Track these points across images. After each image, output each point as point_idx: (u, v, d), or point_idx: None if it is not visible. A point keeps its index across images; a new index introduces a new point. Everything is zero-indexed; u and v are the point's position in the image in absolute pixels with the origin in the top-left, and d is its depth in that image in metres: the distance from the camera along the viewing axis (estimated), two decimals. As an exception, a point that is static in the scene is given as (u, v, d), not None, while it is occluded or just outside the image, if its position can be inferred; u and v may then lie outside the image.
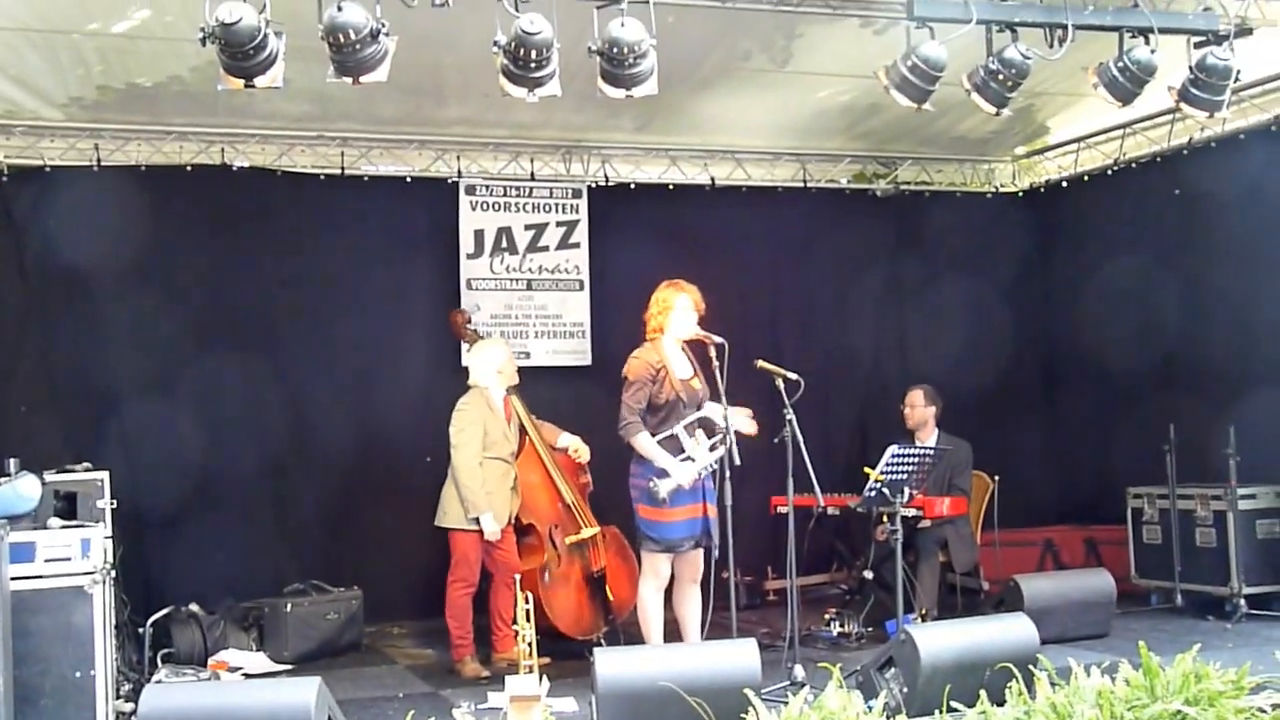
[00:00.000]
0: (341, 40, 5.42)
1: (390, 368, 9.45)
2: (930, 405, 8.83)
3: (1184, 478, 8.89)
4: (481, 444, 7.56)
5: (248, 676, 7.49)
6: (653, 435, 6.68)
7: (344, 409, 9.31)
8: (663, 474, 6.61)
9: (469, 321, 8.69)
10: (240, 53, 5.34)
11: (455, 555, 7.62)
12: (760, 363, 6.89)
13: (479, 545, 7.58)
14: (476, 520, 7.46)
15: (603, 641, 7.66)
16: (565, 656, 7.48)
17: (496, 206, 9.84)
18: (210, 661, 7.72)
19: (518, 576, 6.86)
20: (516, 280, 9.77)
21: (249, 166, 9.19)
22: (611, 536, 8.04)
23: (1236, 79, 6.77)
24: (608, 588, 7.92)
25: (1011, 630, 6.16)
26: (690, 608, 6.88)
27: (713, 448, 6.71)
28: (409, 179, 9.62)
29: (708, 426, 6.78)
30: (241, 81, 5.44)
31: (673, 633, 6.93)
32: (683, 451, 6.68)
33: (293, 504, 9.13)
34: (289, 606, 8.19)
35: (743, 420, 6.80)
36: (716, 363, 6.65)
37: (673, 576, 6.88)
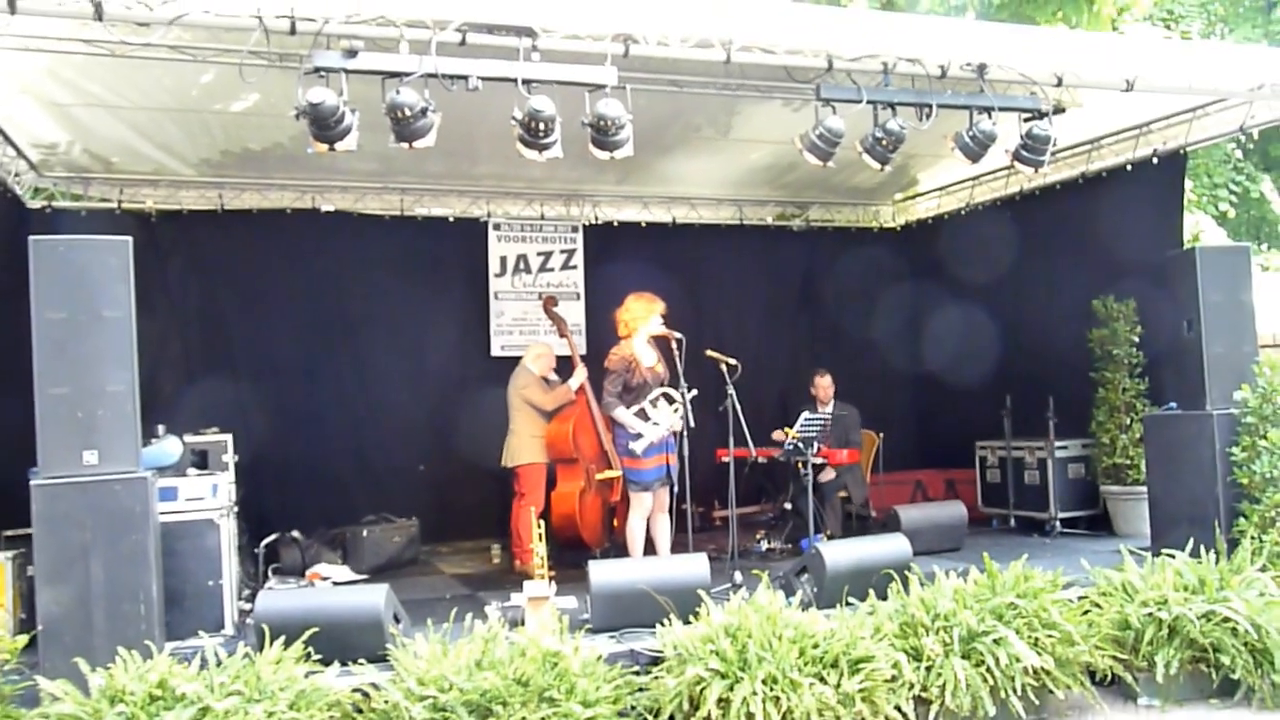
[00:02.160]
0: (399, 115, 5.39)
1: (437, 359, 9.40)
2: (833, 384, 8.86)
3: (1017, 434, 8.93)
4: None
5: (335, 584, 7.46)
6: (629, 408, 6.74)
7: (404, 389, 9.27)
8: (638, 436, 6.64)
9: (556, 304, 8.57)
10: (324, 125, 5.31)
11: (528, 485, 7.68)
12: (709, 352, 6.92)
13: (544, 474, 7.70)
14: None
15: (600, 555, 7.66)
16: (568, 567, 7.51)
17: (516, 239, 9.80)
18: (308, 573, 7.69)
19: (533, 509, 6.86)
20: (531, 293, 9.71)
21: (333, 210, 9.14)
22: (621, 482, 8.02)
23: (1054, 144, 6.78)
24: (615, 518, 7.93)
25: (892, 546, 6.19)
26: (662, 531, 6.92)
27: (674, 413, 6.74)
28: (451, 219, 9.55)
29: (667, 398, 6.79)
30: (326, 146, 5.41)
31: (653, 551, 6.95)
32: (649, 418, 6.73)
33: (368, 458, 9.09)
34: (365, 532, 8.18)
35: (675, 419, 6.77)
36: (677, 352, 6.68)
37: (652, 510, 6.90)
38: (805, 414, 7.66)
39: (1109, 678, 5.43)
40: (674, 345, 6.72)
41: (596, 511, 7.88)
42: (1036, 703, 5.15)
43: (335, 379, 9.07)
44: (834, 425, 8.14)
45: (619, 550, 7.51)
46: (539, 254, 9.88)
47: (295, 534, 8.03)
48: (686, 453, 6.56)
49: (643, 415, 6.74)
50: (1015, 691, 5.07)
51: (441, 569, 8.29)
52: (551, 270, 9.90)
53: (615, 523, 7.90)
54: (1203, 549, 5.91)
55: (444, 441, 9.23)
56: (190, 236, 8.69)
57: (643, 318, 6.86)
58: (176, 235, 8.67)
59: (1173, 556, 5.88)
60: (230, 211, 8.78)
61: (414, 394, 9.29)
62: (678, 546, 6.88)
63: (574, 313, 9.87)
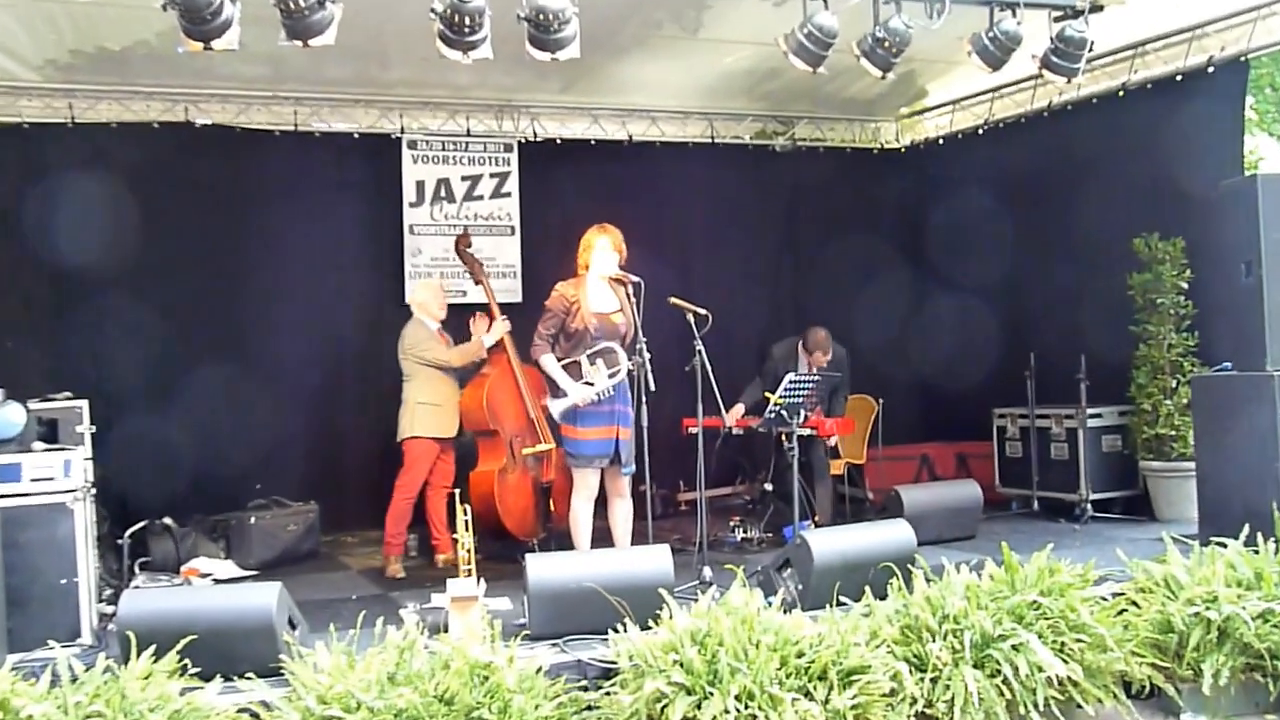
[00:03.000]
0: (291, 6, 5.30)
1: (341, 303, 9.38)
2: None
3: (1041, 399, 9.04)
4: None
5: (217, 582, 7.44)
6: (560, 360, 6.78)
7: (299, 341, 9.23)
8: (561, 394, 6.72)
9: (467, 246, 8.52)
10: (198, 17, 5.22)
11: (407, 462, 7.76)
12: (673, 299, 6.88)
13: (431, 452, 7.75)
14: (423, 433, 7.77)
15: (536, 547, 7.69)
16: (501, 560, 7.52)
17: (436, 160, 9.74)
18: (183, 569, 7.65)
19: (456, 491, 6.86)
20: (454, 226, 9.66)
21: (210, 124, 9.02)
22: (559, 456, 8.05)
23: (1090, 49, 6.81)
24: (551, 500, 7.96)
25: (892, 534, 6.23)
26: (619, 520, 6.93)
27: (611, 375, 6.74)
28: (356, 135, 9.49)
29: (609, 358, 6.78)
30: (200, 44, 5.32)
31: (602, 541, 6.95)
32: (582, 377, 6.75)
33: (256, 429, 9.00)
34: (253, 519, 8.16)
35: (609, 383, 6.80)
36: (633, 299, 6.68)
37: (605, 492, 6.92)
38: (790, 376, 7.70)
39: (1147, 689, 5.49)
40: (629, 290, 6.72)
41: (524, 495, 7.92)
42: (1061, 718, 5.24)
43: (215, 333, 8.97)
44: (824, 388, 8.19)
45: (561, 541, 7.54)
46: (464, 179, 9.83)
47: (167, 521, 7.97)
48: (646, 423, 6.56)
49: (577, 371, 6.79)
50: (1037, 706, 5.14)
51: (347, 563, 8.29)
52: (480, 199, 9.86)
53: (553, 507, 7.94)
54: (1260, 537, 5.99)
55: (348, 409, 9.19)
56: (33, 156, 8.55)
57: (594, 251, 6.87)
58: (15, 154, 8.53)
59: (1224, 546, 5.96)
60: (83, 125, 8.65)
61: (311, 351, 9.26)
62: (636, 536, 6.88)
63: (507, 251, 9.86)
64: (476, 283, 8.43)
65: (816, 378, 7.87)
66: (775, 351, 8.85)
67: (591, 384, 6.72)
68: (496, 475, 7.77)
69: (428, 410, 7.78)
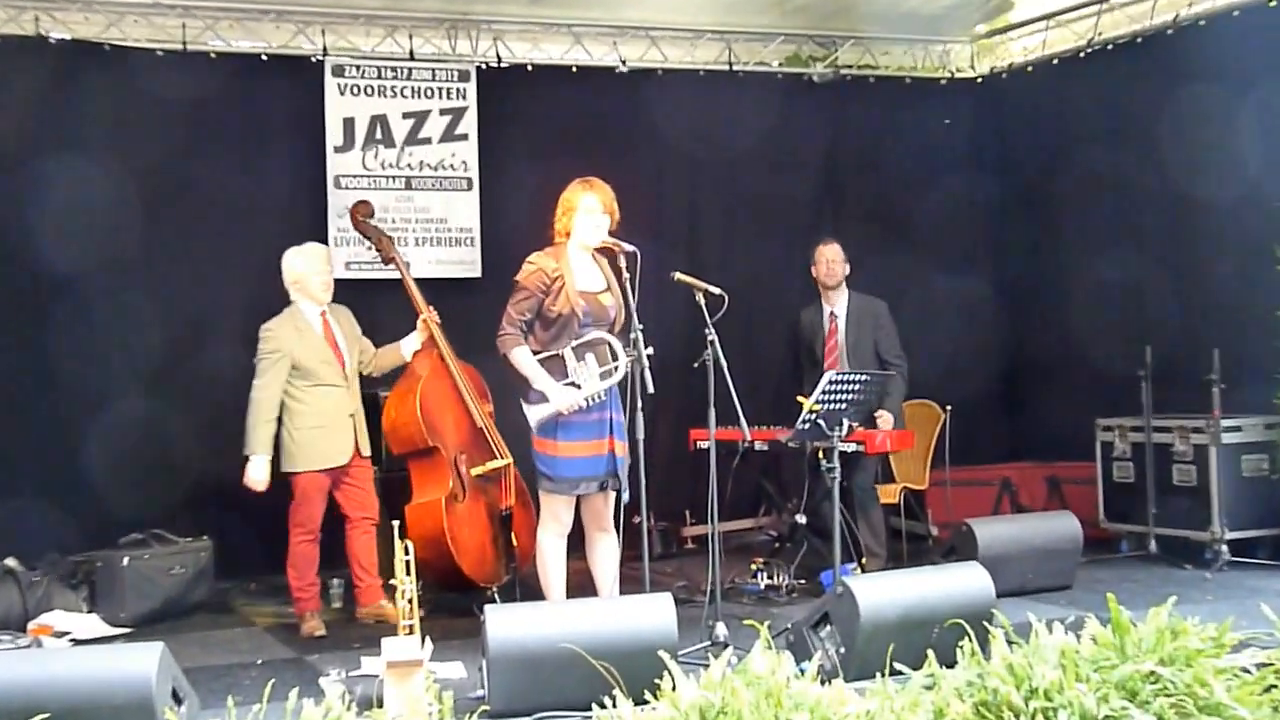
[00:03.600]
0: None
1: (243, 284, 9.25)
2: (846, 261, 8.95)
3: (1160, 407, 9.01)
4: (281, 374, 7.69)
5: (77, 643, 7.42)
6: (537, 354, 6.76)
7: (188, 330, 9.21)
8: (539, 398, 6.69)
9: (371, 215, 8.58)
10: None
11: (296, 496, 7.77)
12: (678, 275, 6.89)
13: (322, 485, 7.77)
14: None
15: (495, 596, 7.68)
16: (452, 612, 7.51)
17: (369, 91, 9.75)
18: (31, 626, 7.63)
19: (396, 523, 6.83)
20: (393, 178, 9.70)
21: (69, 39, 9.02)
22: (515, 475, 8.08)
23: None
24: (513, 532, 7.95)
25: (963, 581, 6.23)
26: (602, 560, 6.93)
27: (605, 375, 6.73)
28: (264, 57, 9.50)
29: (600, 352, 6.78)
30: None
31: (582, 587, 6.98)
32: (567, 376, 6.72)
33: (130, 442, 8.98)
34: (126, 560, 8.12)
35: (602, 384, 6.82)
36: (627, 274, 6.66)
37: (581, 525, 6.91)
38: (831, 374, 7.70)
39: (1300, 788, 5.51)
40: (622, 263, 6.70)
41: (479, 527, 7.93)
42: (1186, 826, 5.23)
43: (77, 318, 8.96)
44: (877, 390, 8.19)
45: (528, 588, 7.53)
46: (406, 115, 9.85)
47: (11, 563, 7.96)
48: (642, 435, 6.56)
49: (559, 367, 6.77)
50: (1153, 809, 5.15)
51: (250, 616, 8.29)
52: (427, 141, 9.87)
53: (515, 541, 7.93)
54: None
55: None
56: None
57: (576, 214, 6.84)
58: None
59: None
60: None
61: (200, 345, 9.22)
62: (627, 583, 6.90)
63: (462, 211, 9.86)
64: (386, 262, 8.45)
65: (864, 377, 7.86)
66: (805, 319, 8.97)
67: (578, 385, 6.71)
68: (445, 505, 7.75)
69: (311, 436, 7.71)
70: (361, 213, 8.48)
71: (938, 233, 10.72)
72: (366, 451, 7.94)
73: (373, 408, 8.19)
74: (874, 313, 8.88)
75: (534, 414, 6.73)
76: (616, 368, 6.70)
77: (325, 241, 9.18)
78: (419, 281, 8.37)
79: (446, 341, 8.09)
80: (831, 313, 8.89)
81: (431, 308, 8.12)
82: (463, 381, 8.06)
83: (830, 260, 8.94)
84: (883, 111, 10.83)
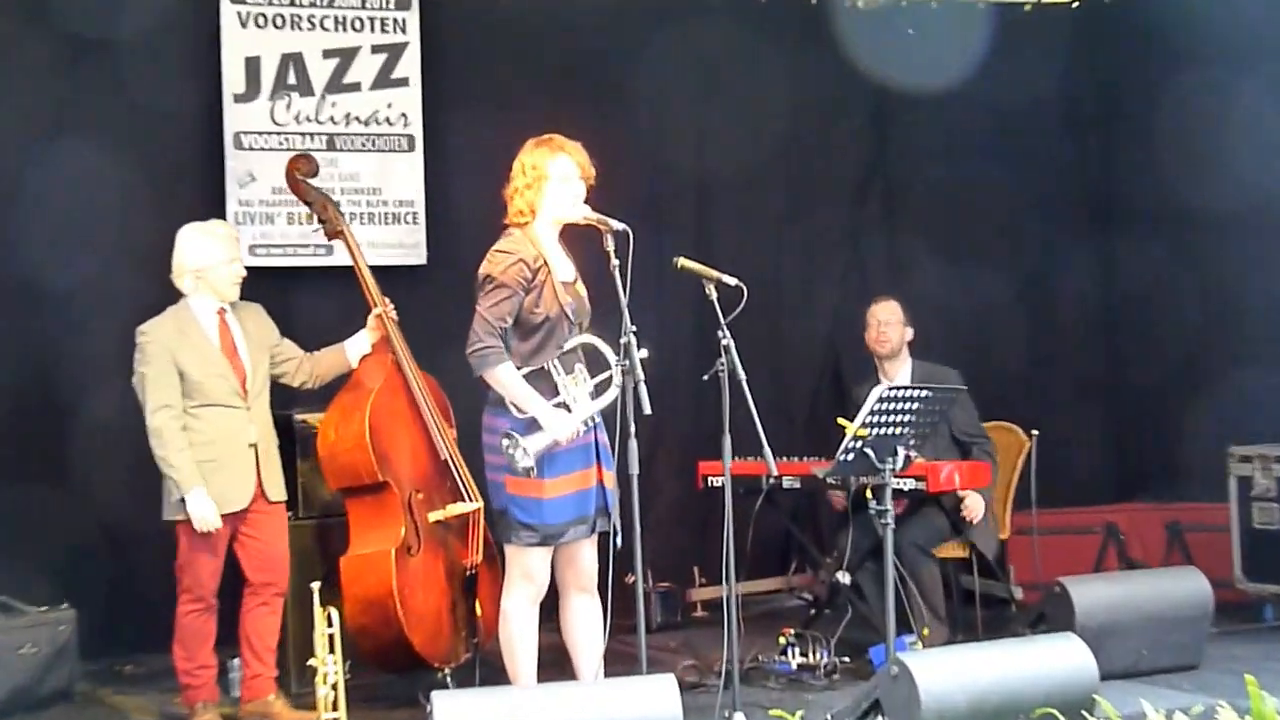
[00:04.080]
0: None
1: (114, 280, 9.26)
2: (907, 324, 8.95)
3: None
4: (174, 388, 7.50)
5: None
6: (520, 368, 6.69)
7: (42, 344, 9.23)
8: (530, 427, 6.63)
9: (312, 174, 8.42)
10: None
11: (179, 554, 7.63)
12: (683, 262, 6.89)
13: (213, 538, 7.54)
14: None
15: (449, 680, 7.66)
16: (389, 702, 7.48)
17: (280, 21, 9.76)
18: None
19: (316, 586, 6.82)
20: (311, 136, 9.73)
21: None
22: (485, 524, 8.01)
23: None
24: (477, 599, 7.90)
25: (1056, 659, 6.23)
26: (584, 631, 6.92)
27: (599, 390, 6.74)
28: (144, -20, 9.50)
29: (587, 361, 6.80)
30: None
31: (557, 666, 7.00)
32: (556, 394, 6.70)
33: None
34: (-47, 638, 8.13)
35: (603, 400, 6.79)
36: (616, 260, 6.62)
37: (555, 582, 6.91)
38: (881, 388, 7.68)
39: None
40: (610, 245, 6.68)
41: (436, 590, 7.87)
42: None
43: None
44: (943, 408, 8.19)
45: (491, 669, 7.54)
46: (329, 54, 9.87)
47: None
48: (635, 469, 6.54)
49: (547, 385, 6.74)
50: None
51: (125, 709, 8.30)
52: (355, 88, 9.88)
53: (479, 609, 7.92)
54: None
55: (124, 454, 9.09)
56: None
57: (548, 183, 6.83)
58: None
59: None
60: None
61: (54, 357, 9.22)
62: (618, 661, 6.93)
63: (402, 179, 9.87)
64: (331, 237, 8.39)
65: (925, 393, 7.85)
66: (856, 397, 8.86)
67: (569, 407, 6.68)
68: (395, 558, 7.69)
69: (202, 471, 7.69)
70: (302, 170, 8.33)
71: (1016, 206, 10.73)
72: (277, 495, 7.75)
73: (289, 435, 8.16)
74: (942, 383, 8.77)
75: (528, 448, 6.52)
76: (611, 380, 6.69)
77: (222, 218, 9.14)
78: (346, 270, 8.33)
79: (406, 347, 7.99)
80: None
81: (388, 302, 8.04)
82: (425, 398, 7.96)
83: (884, 323, 8.94)
84: (947, 44, 10.81)
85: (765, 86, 10.53)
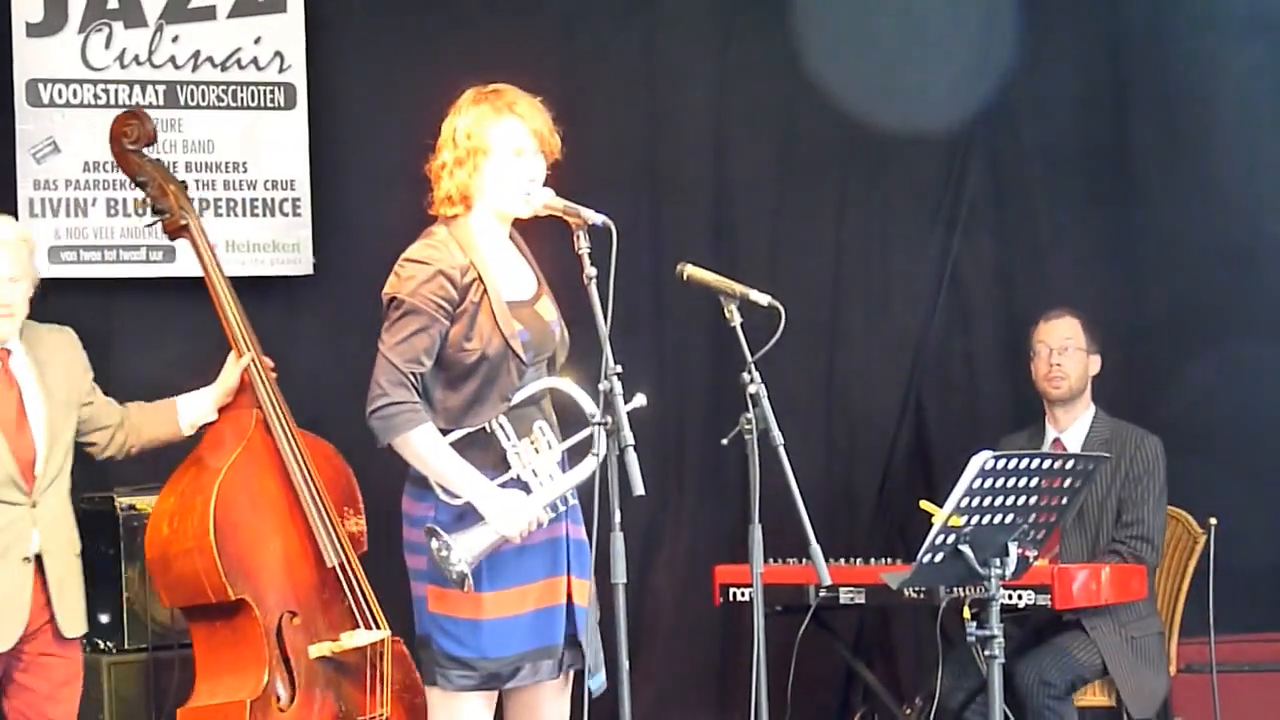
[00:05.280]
0: None
1: None
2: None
3: None
4: None
5: None
6: (449, 430, 6.77)
7: None
8: (464, 517, 6.69)
9: (148, 141, 8.44)
10: None
11: None
12: (691, 270, 6.91)
13: None
14: None
15: None
16: None
17: (95, -83, 9.85)
18: None
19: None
20: (143, 85, 9.81)
21: None
22: (397, 657, 8.03)
23: None
24: None
25: None
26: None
27: (571, 457, 6.74)
28: None
29: (544, 414, 6.85)
30: None
31: None
32: (505, 468, 6.76)
33: None
34: None
35: (578, 474, 6.79)
36: (593, 269, 6.67)
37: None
38: (984, 457, 7.71)
39: None
40: (582, 246, 6.73)
41: None
42: None
43: None
44: (1080, 486, 8.21)
45: None
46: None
47: None
48: (622, 576, 6.59)
49: (490, 453, 6.81)
50: None
51: None
52: (207, 14, 9.90)
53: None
54: None
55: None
56: None
57: (489, 157, 6.88)
58: None
59: None
60: None
61: None
62: None
63: (278, 151, 9.93)
64: (172, 234, 8.38)
65: (1051, 464, 7.89)
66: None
67: (525, 485, 6.70)
68: (251, 713, 7.73)
69: None
70: (131, 135, 8.29)
71: (1175, 196, 10.83)
72: (72, 629, 7.60)
73: (108, 528, 8.21)
74: (1131, 454, 8.92)
75: (461, 547, 6.55)
76: (591, 444, 6.59)
77: (11, 208, 9.27)
78: (191, 284, 8.37)
79: (281, 401, 7.99)
80: (1057, 442, 8.92)
81: (262, 356, 7.94)
82: (307, 475, 7.94)
83: (1058, 350, 8.96)
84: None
85: (808, 26, 10.61)
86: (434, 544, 6.49)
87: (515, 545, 6.62)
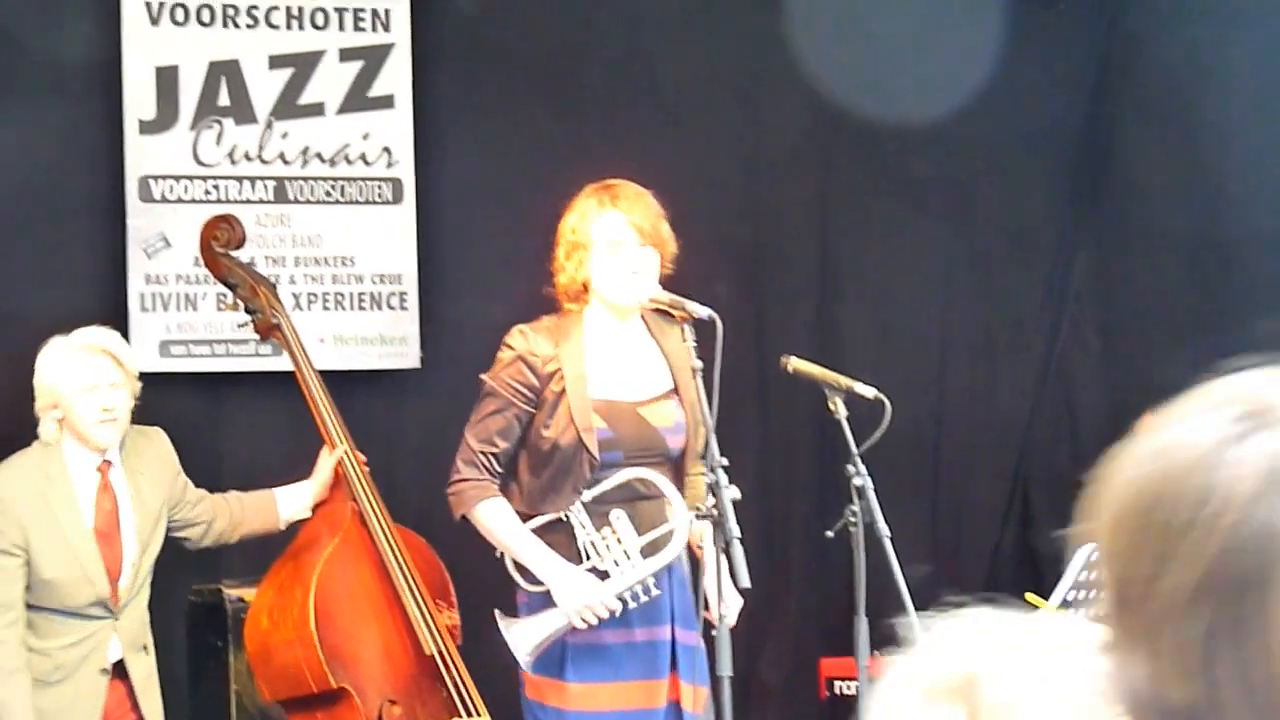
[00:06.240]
0: None
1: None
2: None
3: None
4: (15, 581, 7.33)
5: None
6: (530, 515, 6.82)
7: None
8: (532, 604, 6.68)
9: (238, 245, 8.42)
10: None
11: None
12: (795, 363, 6.91)
13: None
14: None
15: None
16: None
17: (207, 16, 9.86)
18: None
19: None
20: (253, 181, 9.82)
21: None
22: None
23: None
24: None
25: None
26: None
27: (651, 550, 6.75)
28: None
29: (644, 508, 6.84)
30: None
31: None
32: (588, 555, 6.75)
33: None
34: None
35: (662, 559, 6.74)
36: (698, 363, 6.64)
37: None
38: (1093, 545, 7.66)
39: None
40: (687, 337, 6.69)
41: None
42: None
43: None
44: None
45: None
46: (277, 63, 9.97)
47: None
48: (728, 669, 6.55)
49: (565, 541, 6.81)
50: None
51: None
52: (317, 111, 9.97)
53: None
54: None
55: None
56: None
57: (591, 252, 6.86)
58: None
59: None
60: None
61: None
62: None
63: (383, 243, 9.92)
64: (264, 335, 8.34)
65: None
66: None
67: (604, 572, 6.73)
68: None
69: (20, 706, 7.44)
70: (221, 238, 8.34)
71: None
72: None
73: (215, 619, 8.20)
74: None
75: (522, 632, 6.67)
76: (672, 535, 6.70)
77: (121, 312, 9.29)
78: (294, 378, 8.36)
79: (376, 495, 8.02)
80: None
81: (357, 452, 8.00)
82: (404, 567, 7.94)
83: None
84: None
85: (907, 74, 10.58)
86: (500, 626, 6.57)
87: (583, 635, 6.68)
